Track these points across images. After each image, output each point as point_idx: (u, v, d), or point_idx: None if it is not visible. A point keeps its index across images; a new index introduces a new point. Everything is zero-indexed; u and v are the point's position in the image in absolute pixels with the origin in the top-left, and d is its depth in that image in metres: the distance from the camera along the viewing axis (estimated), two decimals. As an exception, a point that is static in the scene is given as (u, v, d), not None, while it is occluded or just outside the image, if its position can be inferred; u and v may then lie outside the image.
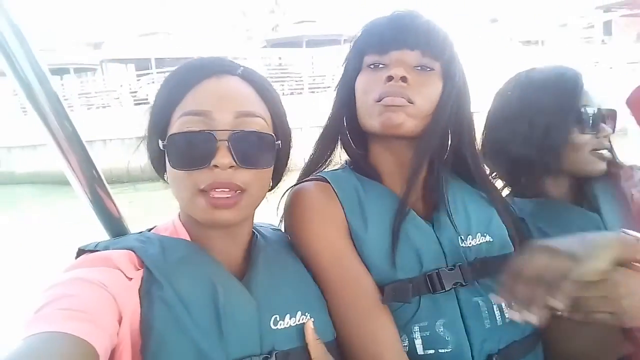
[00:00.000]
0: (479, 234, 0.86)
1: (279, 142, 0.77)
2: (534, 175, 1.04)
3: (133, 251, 0.70)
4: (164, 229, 0.79)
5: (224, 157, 0.69)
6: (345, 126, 0.94)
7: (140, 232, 0.79)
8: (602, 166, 1.03)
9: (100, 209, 0.92)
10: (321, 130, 0.96)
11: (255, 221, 0.84)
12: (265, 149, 0.74)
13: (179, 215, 0.80)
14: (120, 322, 0.63)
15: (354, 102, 0.89)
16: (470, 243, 0.85)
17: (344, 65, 0.93)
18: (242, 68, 0.78)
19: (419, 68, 0.84)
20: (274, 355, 0.68)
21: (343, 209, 0.85)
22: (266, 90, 0.78)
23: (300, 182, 0.92)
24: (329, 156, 0.96)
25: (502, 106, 1.08)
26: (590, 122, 1.01)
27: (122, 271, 0.67)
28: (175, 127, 0.72)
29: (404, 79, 0.82)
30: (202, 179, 0.69)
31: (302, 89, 13.98)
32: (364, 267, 0.81)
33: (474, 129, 0.93)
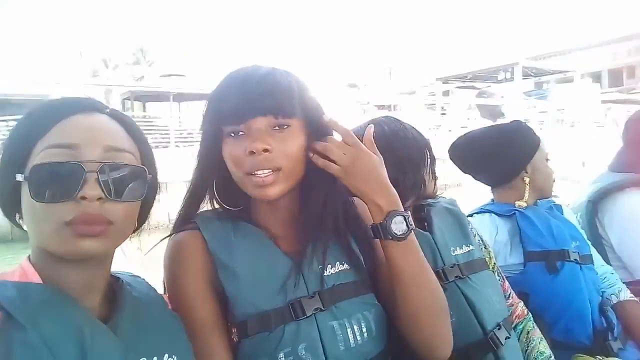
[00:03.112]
0: (337, 263, 0.93)
1: (151, 175, 0.76)
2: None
3: None
4: (10, 275, 0.72)
5: (92, 189, 0.67)
6: (215, 187, 0.96)
7: None
8: (435, 187, 1.29)
9: None
10: (188, 191, 0.97)
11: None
12: (135, 182, 0.73)
13: (29, 258, 0.74)
14: None
15: (223, 167, 0.92)
16: (330, 272, 0.91)
17: (203, 134, 0.95)
18: (110, 108, 0.77)
19: (277, 128, 0.88)
20: None
21: (210, 254, 0.89)
22: (134, 129, 0.78)
23: (176, 232, 0.93)
24: (196, 210, 0.97)
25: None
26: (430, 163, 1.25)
27: None
28: (39, 159, 0.68)
29: (265, 150, 0.85)
30: (68, 211, 0.66)
31: (168, 142, 13.58)
32: (218, 311, 0.87)
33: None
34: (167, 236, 0.95)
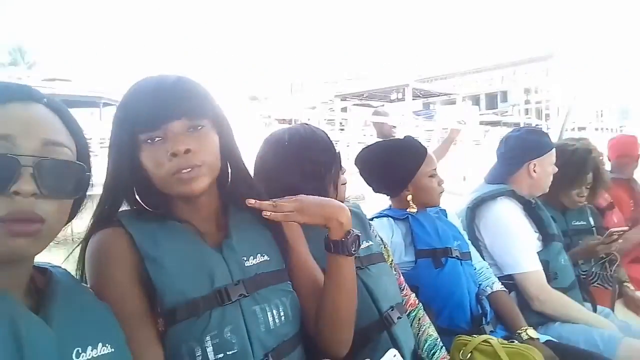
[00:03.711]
0: (258, 255, 1.02)
1: (89, 173, 0.76)
2: None
3: None
4: None
5: (26, 184, 0.64)
6: (134, 194, 1.00)
7: None
8: (344, 193, 1.45)
9: None
10: (102, 199, 0.97)
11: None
12: (72, 179, 0.72)
13: None
14: None
15: (138, 172, 0.95)
16: (252, 262, 1.00)
17: (114, 142, 0.96)
18: (46, 97, 0.74)
19: (192, 129, 0.93)
20: None
21: (136, 247, 0.91)
22: (72, 121, 0.76)
23: (97, 230, 0.94)
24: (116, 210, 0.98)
25: (278, 153, 1.30)
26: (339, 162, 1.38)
27: None
28: None
29: (187, 151, 0.90)
30: (0, 207, 0.64)
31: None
32: (145, 301, 0.90)
33: (245, 164, 1.09)
34: (83, 239, 0.94)
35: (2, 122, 0.67)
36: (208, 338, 0.88)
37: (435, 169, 1.78)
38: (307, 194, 1.06)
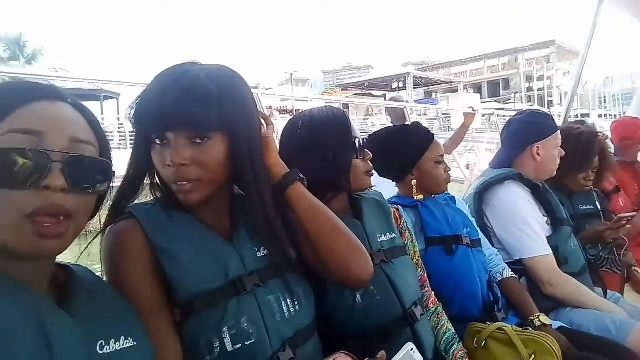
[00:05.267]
0: (267, 245, 1.00)
1: (114, 171, 0.77)
2: (325, 195, 1.23)
3: None
4: None
5: (57, 179, 0.66)
6: (151, 180, 1.00)
7: None
8: (370, 182, 1.34)
9: None
10: (123, 184, 0.97)
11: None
12: (99, 175, 0.73)
13: None
14: None
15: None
16: (263, 253, 0.99)
17: (135, 137, 0.98)
18: (72, 98, 0.76)
19: (197, 140, 0.90)
20: None
21: (150, 241, 0.91)
22: (94, 120, 0.78)
23: (112, 223, 0.94)
24: (131, 201, 0.98)
25: (292, 141, 1.28)
26: (359, 149, 1.31)
27: None
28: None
29: (182, 164, 0.89)
30: (30, 202, 0.64)
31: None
32: (161, 293, 0.90)
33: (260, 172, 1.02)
34: (102, 230, 0.94)
35: (33, 120, 0.68)
36: (225, 329, 0.88)
37: (441, 156, 1.76)
38: (314, 184, 1.05)
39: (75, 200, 0.69)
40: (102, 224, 0.95)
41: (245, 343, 0.88)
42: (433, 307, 1.43)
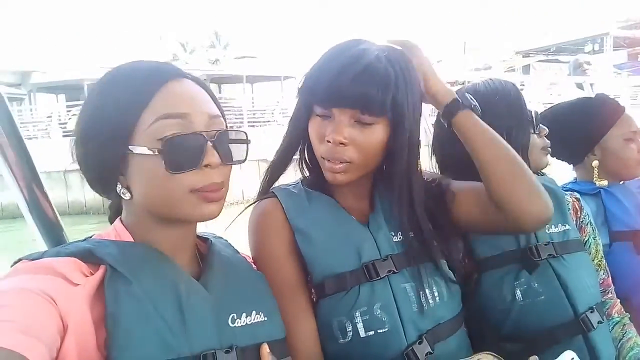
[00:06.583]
0: (409, 232, 0.95)
1: (249, 140, 0.82)
2: None
3: (81, 257, 0.69)
4: (106, 234, 0.78)
5: (213, 157, 0.72)
6: (301, 154, 1.03)
7: (85, 239, 0.77)
8: (547, 161, 1.22)
9: (37, 213, 0.92)
10: (274, 158, 1.03)
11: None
12: (240, 147, 0.79)
13: (121, 220, 0.79)
14: (65, 332, 0.61)
15: (309, 139, 0.97)
16: (400, 238, 0.95)
17: (296, 105, 0.99)
18: (189, 74, 0.80)
19: (360, 123, 0.89)
20: (234, 350, 0.71)
21: (288, 220, 0.94)
22: (213, 94, 0.82)
23: (257, 201, 1.01)
24: (279, 176, 1.03)
25: None
26: (535, 123, 1.18)
27: (66, 278, 0.65)
28: (158, 131, 0.69)
29: (342, 143, 0.88)
30: (196, 180, 0.71)
31: (242, 122, 14.02)
32: (299, 272, 0.92)
33: (418, 155, 0.99)
34: (251, 204, 1.01)
35: (174, 103, 0.72)
36: (358, 314, 0.87)
37: (635, 132, 1.45)
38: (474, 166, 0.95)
39: (225, 170, 0.76)
40: None
41: (378, 331, 0.86)
42: (618, 317, 1.22)
